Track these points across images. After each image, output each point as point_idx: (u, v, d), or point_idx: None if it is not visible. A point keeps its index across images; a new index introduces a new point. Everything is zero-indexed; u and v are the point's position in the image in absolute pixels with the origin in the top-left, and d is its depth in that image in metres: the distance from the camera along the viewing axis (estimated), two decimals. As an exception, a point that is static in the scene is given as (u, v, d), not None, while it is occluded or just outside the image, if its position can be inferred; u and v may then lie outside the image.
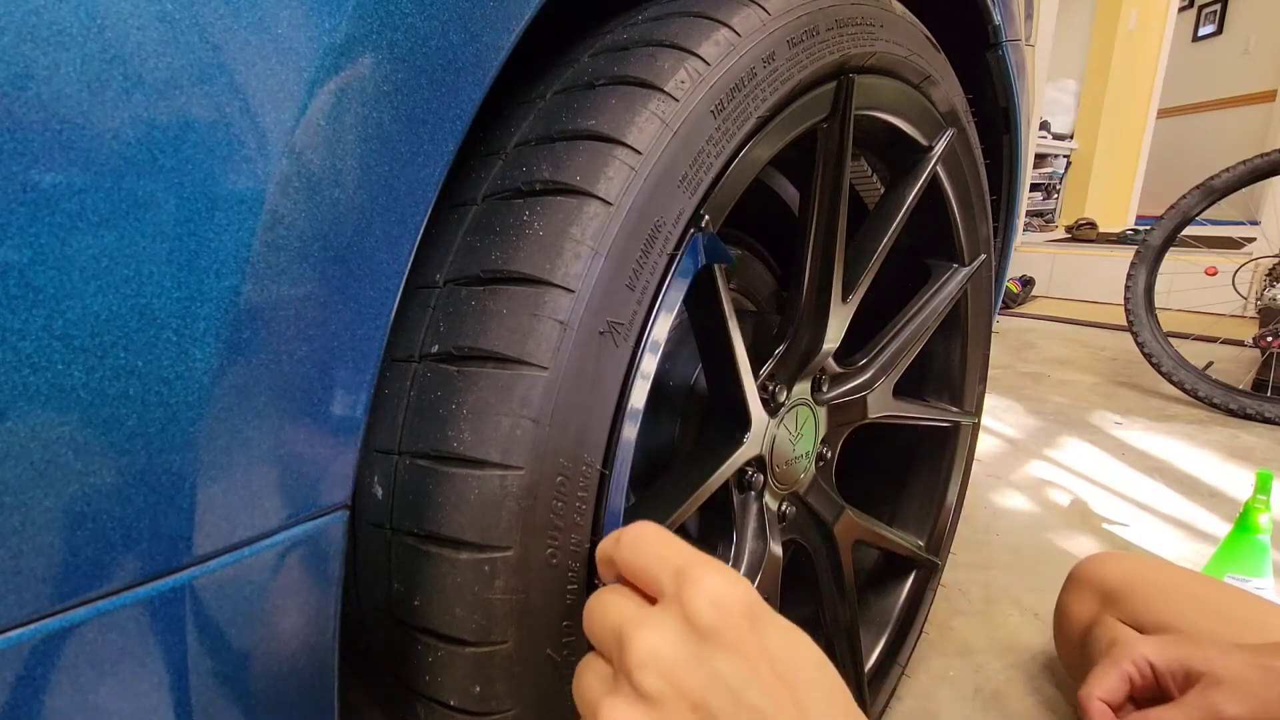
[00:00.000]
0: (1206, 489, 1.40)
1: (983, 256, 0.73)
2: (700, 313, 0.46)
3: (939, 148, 0.62)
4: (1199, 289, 2.18)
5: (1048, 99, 4.48)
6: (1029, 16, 0.85)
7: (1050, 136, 4.37)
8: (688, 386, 0.57)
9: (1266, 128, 4.83)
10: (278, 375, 0.26)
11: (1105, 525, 1.26)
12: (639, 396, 0.37)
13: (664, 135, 0.35)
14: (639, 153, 0.34)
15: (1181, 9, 4.99)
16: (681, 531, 0.49)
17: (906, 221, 0.61)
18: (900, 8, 0.54)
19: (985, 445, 1.62)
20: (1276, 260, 2.02)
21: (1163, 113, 4.80)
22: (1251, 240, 2.37)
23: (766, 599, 0.42)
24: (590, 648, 0.31)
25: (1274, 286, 1.99)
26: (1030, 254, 3.76)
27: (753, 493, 0.56)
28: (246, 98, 0.23)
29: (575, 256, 0.33)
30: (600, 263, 0.33)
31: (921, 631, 0.82)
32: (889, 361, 0.66)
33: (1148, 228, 2.05)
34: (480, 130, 0.39)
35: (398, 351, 0.34)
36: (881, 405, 0.66)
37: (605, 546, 0.31)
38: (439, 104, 0.30)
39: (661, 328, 0.37)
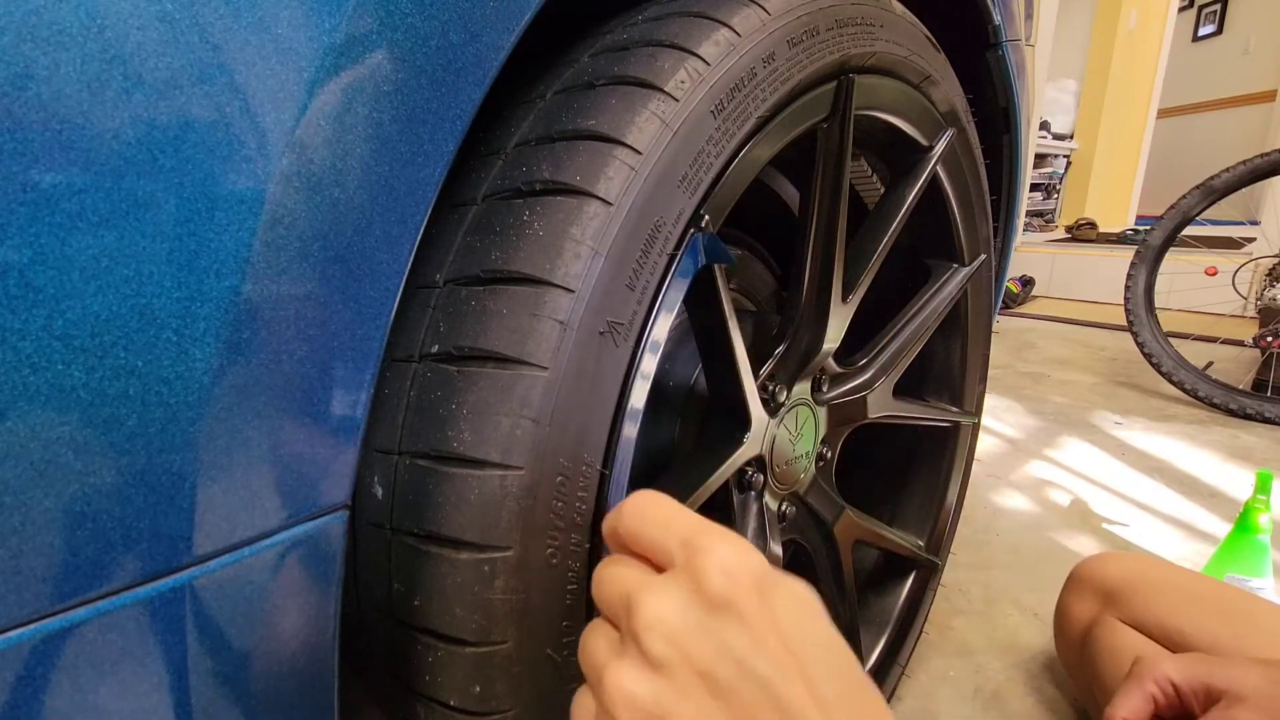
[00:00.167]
0: (1206, 489, 1.40)
1: (983, 256, 0.73)
2: (700, 313, 0.46)
3: (939, 148, 0.62)
4: (1199, 289, 2.18)
5: (1048, 99, 4.48)
6: (1029, 16, 0.85)
7: (1050, 136, 4.37)
8: (688, 386, 0.57)
9: (1266, 128, 4.83)
10: (278, 375, 0.26)
11: (1105, 525, 1.26)
12: (639, 396, 0.37)
13: (664, 135, 0.35)
14: (639, 153, 0.34)
15: (1181, 9, 4.99)
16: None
17: (906, 221, 0.61)
18: (900, 8, 0.54)
19: (985, 445, 1.62)
20: (1276, 260, 2.02)
21: (1163, 113, 4.80)
22: (1251, 240, 2.37)
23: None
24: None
25: (1274, 286, 1.99)
26: (1030, 254, 3.76)
27: (753, 493, 0.56)
28: (246, 98, 0.23)
29: (575, 256, 0.33)
30: (600, 263, 0.33)
31: (921, 631, 0.82)
32: (889, 361, 0.66)
33: (1148, 228, 2.05)
34: (480, 130, 0.39)
35: (398, 351, 0.34)
36: (881, 405, 0.66)
37: (610, 520, 0.30)
38: (439, 104, 0.30)
39: (661, 328, 0.37)
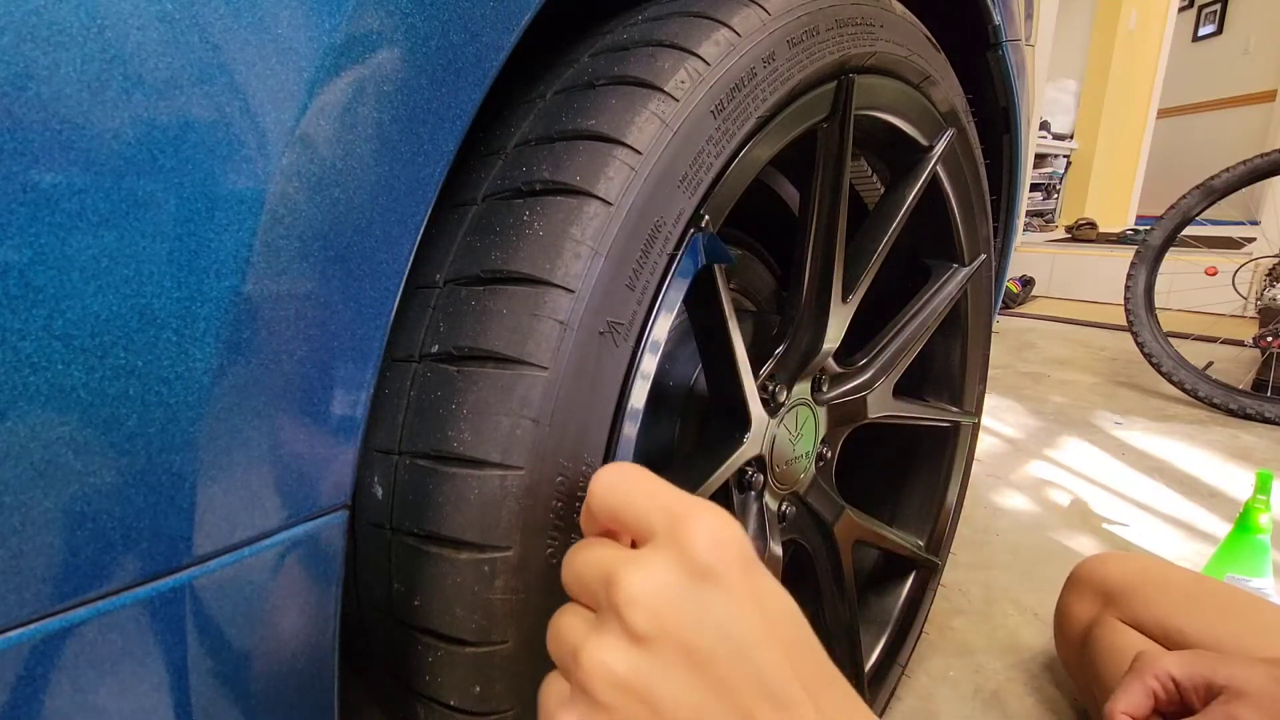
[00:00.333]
0: (1206, 489, 1.40)
1: (983, 256, 0.73)
2: (700, 313, 0.46)
3: (939, 148, 0.62)
4: (1199, 289, 2.18)
5: (1048, 99, 4.48)
6: (1029, 16, 0.85)
7: (1050, 136, 4.37)
8: (688, 386, 0.57)
9: (1266, 128, 4.83)
10: (278, 375, 0.26)
11: (1105, 525, 1.26)
12: (639, 396, 0.37)
13: (664, 135, 0.35)
14: (639, 153, 0.34)
15: (1181, 9, 4.99)
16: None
17: (906, 221, 0.61)
18: (900, 8, 0.54)
19: (985, 445, 1.62)
20: (1276, 260, 2.02)
21: (1163, 113, 4.80)
22: (1251, 240, 2.37)
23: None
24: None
25: (1274, 286, 1.99)
26: (1030, 254, 3.76)
27: (753, 493, 0.56)
28: (246, 98, 0.23)
29: (575, 256, 0.33)
30: (600, 263, 0.33)
31: (921, 631, 0.82)
32: (889, 361, 0.66)
33: (1148, 228, 2.05)
34: (480, 130, 0.39)
35: (398, 351, 0.34)
36: (881, 405, 0.66)
37: (586, 505, 0.29)
38: (439, 104, 0.30)
39: (661, 328, 0.37)
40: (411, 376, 0.34)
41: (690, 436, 0.57)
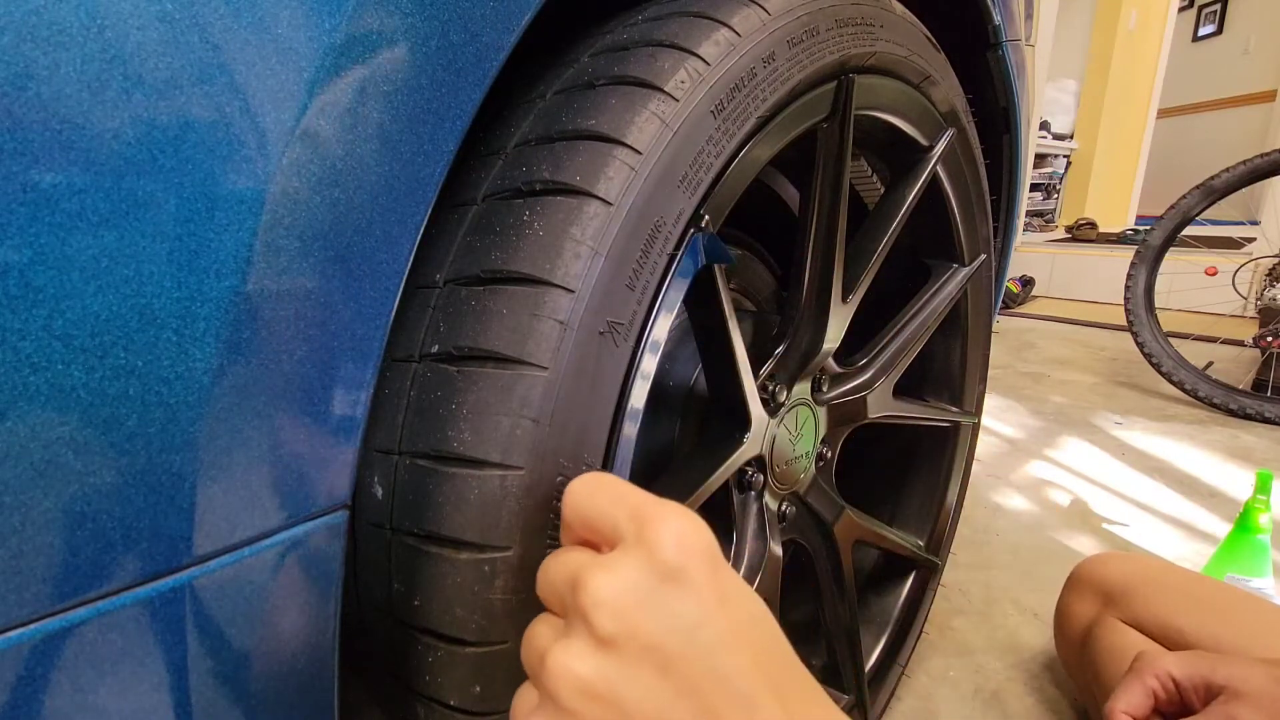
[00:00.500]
0: (1206, 489, 1.40)
1: (983, 256, 0.73)
2: (700, 313, 0.46)
3: (939, 148, 0.62)
4: (1199, 289, 2.18)
5: (1048, 99, 4.48)
6: (1029, 16, 0.85)
7: (1050, 136, 4.37)
8: (688, 386, 0.57)
9: (1266, 128, 4.83)
10: (278, 375, 0.26)
11: (1105, 525, 1.26)
12: (639, 396, 0.37)
13: (664, 135, 0.35)
14: (639, 153, 0.34)
15: (1181, 9, 4.99)
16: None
17: (906, 221, 0.61)
18: (900, 8, 0.54)
19: (985, 445, 1.62)
20: (1276, 260, 2.02)
21: (1163, 113, 4.80)
22: (1251, 240, 2.37)
23: (767, 600, 0.42)
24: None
25: (1274, 286, 1.99)
26: (1030, 254, 3.76)
27: (753, 493, 0.56)
28: (246, 98, 0.23)
29: (575, 256, 0.33)
30: (600, 263, 0.33)
31: (921, 631, 0.82)
32: (889, 361, 0.66)
33: (1148, 228, 2.05)
34: (480, 130, 0.39)
35: (398, 351, 0.34)
36: (881, 405, 0.66)
37: (562, 517, 0.30)
38: (439, 104, 0.30)
39: (661, 328, 0.37)
40: (411, 376, 0.34)
41: (690, 436, 0.57)
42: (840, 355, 0.60)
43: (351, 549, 0.34)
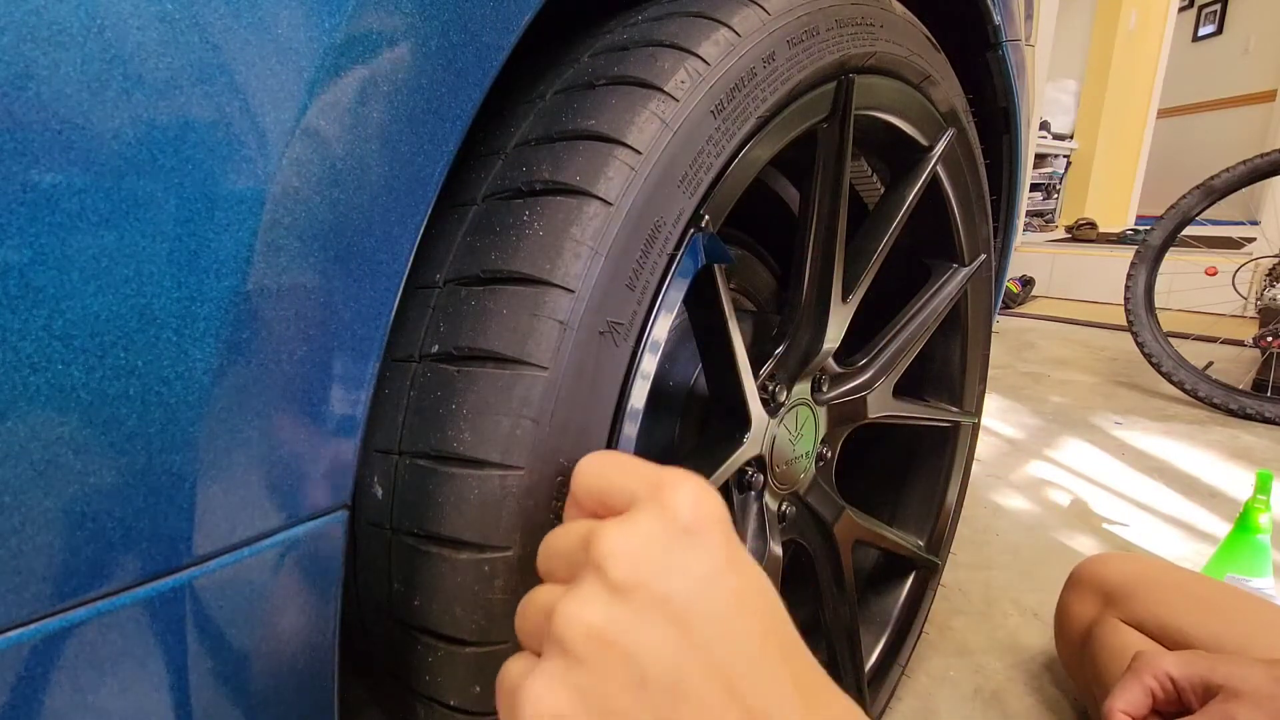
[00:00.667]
0: (1206, 489, 1.40)
1: (983, 256, 0.73)
2: (700, 313, 0.46)
3: (939, 148, 0.62)
4: (1199, 289, 2.18)
5: (1048, 99, 4.48)
6: (1029, 16, 0.85)
7: (1050, 136, 4.37)
8: (688, 386, 0.57)
9: (1266, 128, 4.83)
10: (277, 375, 0.26)
11: (1105, 525, 1.26)
12: (639, 396, 0.37)
13: (664, 135, 0.35)
14: (639, 153, 0.34)
15: (1181, 9, 4.98)
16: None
17: (906, 221, 0.61)
18: (900, 8, 0.54)
19: (985, 445, 1.62)
20: (1276, 260, 2.02)
21: (1163, 113, 4.79)
22: (1251, 240, 2.37)
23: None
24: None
25: (1274, 286, 1.99)
26: (1030, 254, 3.76)
27: (753, 493, 0.56)
28: (246, 98, 0.23)
29: (575, 256, 0.33)
30: (600, 263, 0.33)
31: (921, 631, 0.82)
32: (889, 361, 0.66)
33: (1148, 228, 2.05)
34: (480, 130, 0.39)
35: (398, 351, 0.34)
36: (881, 405, 0.66)
37: (570, 496, 0.30)
38: (439, 104, 0.30)
39: (661, 328, 0.37)
40: (411, 376, 0.34)
41: (690, 436, 0.57)
42: (840, 355, 0.60)
43: (351, 549, 0.34)
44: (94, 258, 0.21)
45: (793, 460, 0.58)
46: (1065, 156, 4.54)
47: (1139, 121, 4.49)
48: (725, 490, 0.56)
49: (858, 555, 0.78)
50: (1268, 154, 1.80)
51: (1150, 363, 1.93)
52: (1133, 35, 4.31)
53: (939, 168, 0.63)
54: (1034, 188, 4.37)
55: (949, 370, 0.79)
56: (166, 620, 0.25)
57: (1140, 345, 1.95)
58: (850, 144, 0.50)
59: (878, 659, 0.77)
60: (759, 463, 0.55)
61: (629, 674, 0.23)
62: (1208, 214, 1.89)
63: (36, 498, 0.21)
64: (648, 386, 0.37)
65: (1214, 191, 1.86)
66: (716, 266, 0.42)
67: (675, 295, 0.38)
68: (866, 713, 0.28)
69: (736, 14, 0.39)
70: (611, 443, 0.36)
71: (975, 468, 0.94)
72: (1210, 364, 1.95)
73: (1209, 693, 0.54)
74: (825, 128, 0.50)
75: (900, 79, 0.56)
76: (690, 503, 0.26)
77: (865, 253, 0.59)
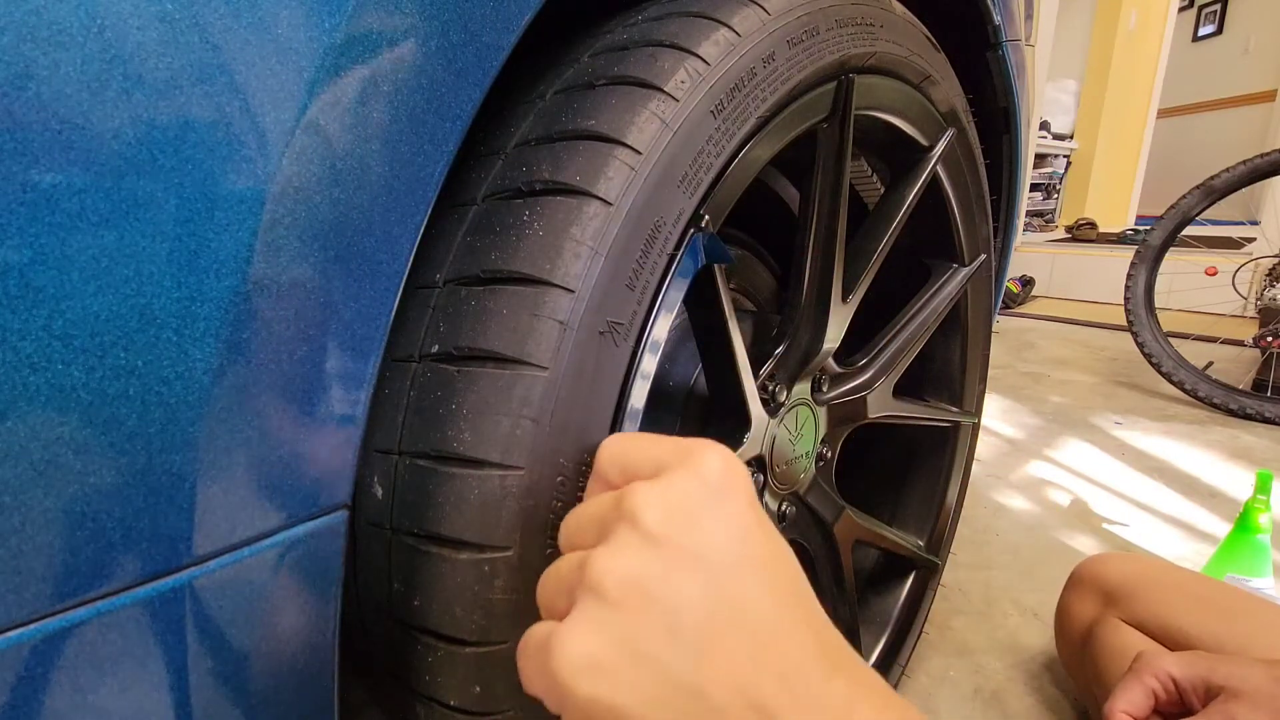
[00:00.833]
0: (1206, 489, 1.40)
1: (983, 256, 0.73)
2: (700, 313, 0.46)
3: (939, 148, 0.62)
4: (1199, 289, 2.18)
5: (1048, 99, 4.48)
6: (1029, 16, 0.85)
7: (1050, 136, 4.36)
8: (688, 386, 0.57)
9: (1266, 128, 4.83)
10: (277, 375, 0.26)
11: (1105, 525, 1.26)
12: (639, 396, 0.37)
13: (664, 135, 0.35)
14: (639, 153, 0.34)
15: (1181, 9, 4.98)
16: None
17: (906, 221, 0.61)
18: (900, 8, 0.54)
19: (985, 445, 1.62)
20: (1276, 260, 2.02)
21: (1163, 113, 4.79)
22: (1251, 240, 2.37)
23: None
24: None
25: (1274, 286, 1.99)
26: (1030, 254, 3.76)
27: (753, 493, 0.56)
28: (246, 98, 0.23)
29: (575, 256, 0.33)
30: (600, 263, 0.33)
31: (921, 631, 0.82)
32: (889, 361, 0.66)
33: (1148, 228, 2.05)
34: (480, 130, 0.39)
35: (398, 351, 0.34)
36: (881, 405, 0.66)
37: (594, 472, 0.30)
38: (439, 103, 0.30)
39: (661, 328, 0.37)
40: (411, 376, 0.34)
41: (690, 436, 0.57)
42: (840, 355, 0.60)
43: (351, 549, 0.34)
44: (94, 258, 0.21)
45: (793, 460, 0.58)
46: (1065, 156, 4.54)
47: (1139, 121, 4.49)
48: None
49: (858, 555, 0.78)
50: (1268, 154, 1.80)
51: (1150, 363, 1.93)
52: (1133, 35, 4.31)
53: (939, 168, 0.63)
54: (1034, 188, 4.37)
55: (949, 370, 0.79)
56: (166, 620, 0.25)
57: (1140, 345, 1.95)
58: (850, 144, 0.50)
59: (878, 659, 0.77)
60: (759, 463, 0.55)
61: (662, 620, 0.24)
62: (1208, 214, 1.89)
63: (36, 498, 0.21)
64: (648, 386, 0.37)
65: (1214, 191, 1.86)
66: (716, 266, 0.42)
67: (675, 295, 0.38)
68: None
69: (736, 14, 0.39)
70: (611, 443, 0.36)
71: (975, 468, 0.94)
72: (1210, 364, 1.95)
73: (1210, 693, 0.54)
74: (825, 128, 0.50)
75: (900, 79, 0.56)
76: (719, 466, 0.27)
77: (865, 253, 0.59)
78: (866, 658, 0.76)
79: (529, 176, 0.34)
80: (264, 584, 0.28)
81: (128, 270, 0.22)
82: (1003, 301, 2.47)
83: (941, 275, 0.71)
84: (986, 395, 1.32)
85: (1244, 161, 1.82)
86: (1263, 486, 0.90)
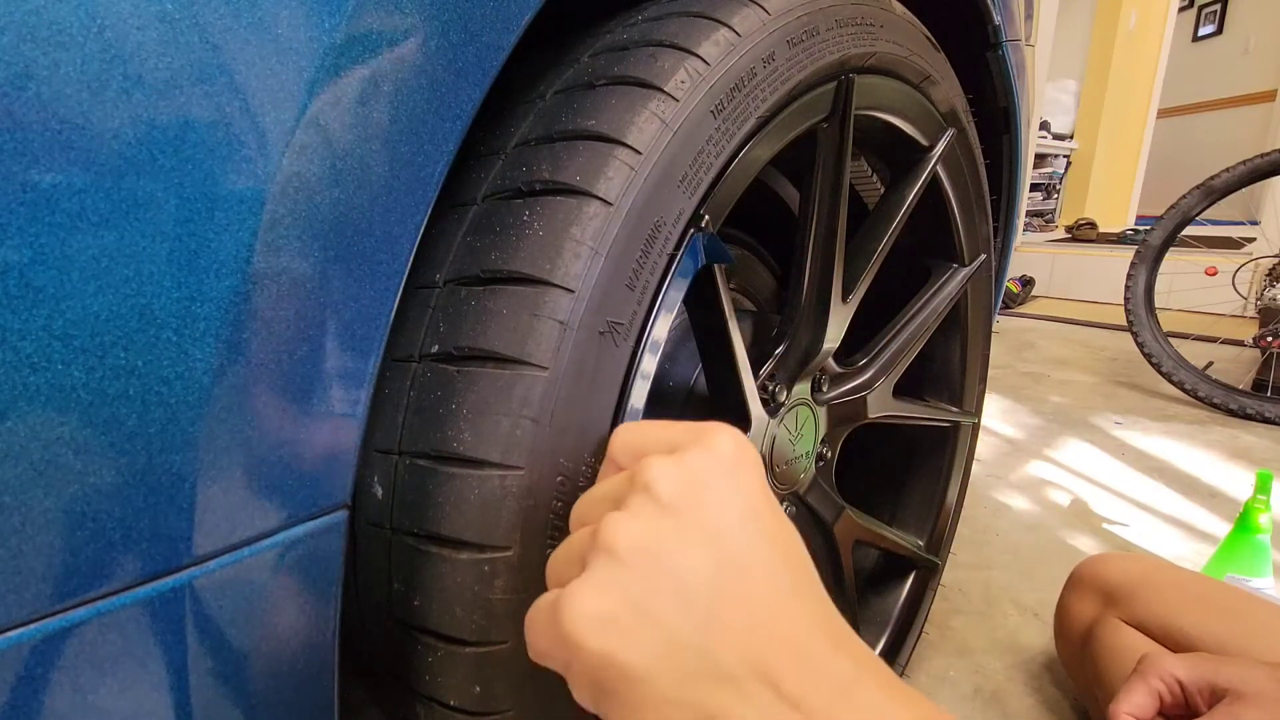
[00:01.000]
0: (1206, 489, 1.40)
1: (983, 256, 0.73)
2: (700, 313, 0.46)
3: (939, 148, 0.62)
4: (1199, 289, 2.18)
5: (1048, 99, 4.48)
6: (1029, 16, 0.85)
7: (1050, 136, 4.36)
8: (688, 386, 0.57)
9: (1266, 128, 4.83)
10: (277, 375, 0.26)
11: (1105, 525, 1.26)
12: (639, 396, 0.37)
13: (664, 135, 0.35)
14: (639, 153, 0.34)
15: (1181, 9, 4.98)
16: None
17: (906, 221, 0.61)
18: (900, 8, 0.54)
19: (985, 445, 1.62)
20: (1276, 260, 2.02)
21: (1163, 113, 4.79)
22: (1251, 240, 2.37)
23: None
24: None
25: (1274, 286, 1.99)
26: (1030, 254, 3.76)
27: (753, 493, 0.56)
28: (246, 98, 0.23)
29: (575, 256, 0.33)
30: (600, 263, 0.33)
31: (921, 631, 0.82)
32: (889, 361, 0.66)
33: (1148, 228, 2.05)
34: (480, 130, 0.39)
35: (398, 351, 0.34)
36: (881, 405, 0.66)
37: (608, 458, 0.31)
38: (439, 104, 0.30)
39: (661, 328, 0.37)
40: (411, 376, 0.34)
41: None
42: (840, 355, 0.60)
43: (351, 549, 0.34)
44: (94, 258, 0.21)
45: (793, 460, 0.58)
46: (1065, 156, 4.54)
47: (1139, 121, 4.49)
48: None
49: (858, 555, 0.78)
50: (1268, 154, 1.80)
51: (1150, 363, 1.93)
52: (1133, 35, 4.31)
53: (939, 168, 0.63)
54: (1034, 188, 4.37)
55: (949, 370, 0.79)
56: (166, 620, 0.25)
57: (1140, 345, 1.94)
58: (850, 144, 0.50)
59: (878, 659, 0.77)
60: (759, 463, 0.55)
61: (673, 583, 0.25)
62: (1208, 214, 1.89)
63: (36, 498, 0.21)
64: (648, 386, 0.37)
65: (1214, 191, 1.86)
66: (716, 266, 0.42)
67: (675, 295, 0.38)
68: None
69: (736, 14, 0.39)
70: (611, 443, 0.36)
71: (975, 468, 0.94)
72: (1210, 364, 1.95)
73: (1215, 695, 0.54)
74: (825, 128, 0.50)
75: (900, 79, 0.56)
76: (732, 445, 0.28)
77: (865, 253, 0.59)
78: (866, 658, 0.76)
79: (529, 176, 0.34)
80: (264, 584, 0.28)
81: (128, 270, 0.22)
82: (1003, 301, 2.47)
83: (941, 275, 0.71)
84: (986, 395, 1.32)
85: (1244, 161, 1.82)
86: (1263, 486, 0.90)
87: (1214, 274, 2.22)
